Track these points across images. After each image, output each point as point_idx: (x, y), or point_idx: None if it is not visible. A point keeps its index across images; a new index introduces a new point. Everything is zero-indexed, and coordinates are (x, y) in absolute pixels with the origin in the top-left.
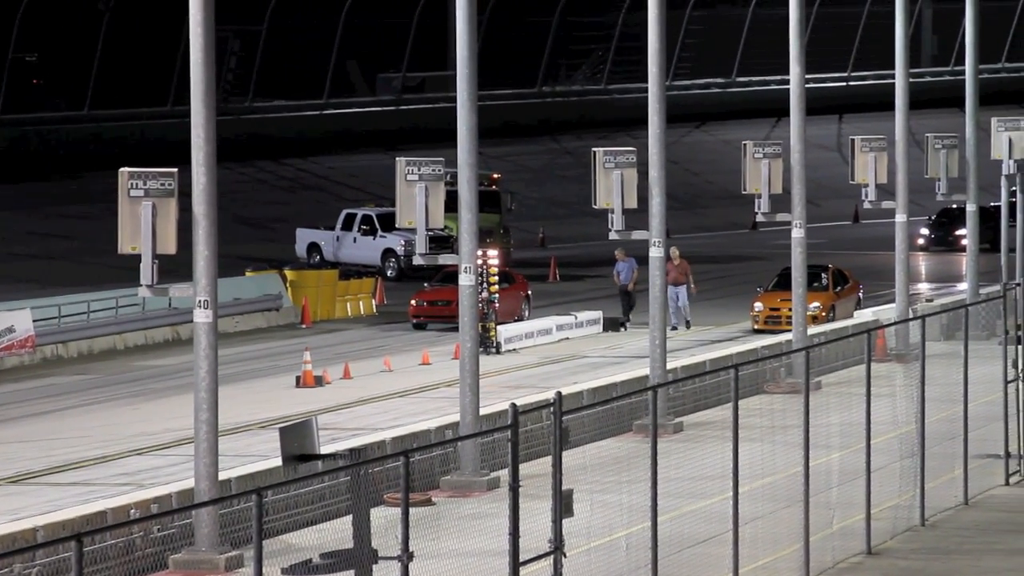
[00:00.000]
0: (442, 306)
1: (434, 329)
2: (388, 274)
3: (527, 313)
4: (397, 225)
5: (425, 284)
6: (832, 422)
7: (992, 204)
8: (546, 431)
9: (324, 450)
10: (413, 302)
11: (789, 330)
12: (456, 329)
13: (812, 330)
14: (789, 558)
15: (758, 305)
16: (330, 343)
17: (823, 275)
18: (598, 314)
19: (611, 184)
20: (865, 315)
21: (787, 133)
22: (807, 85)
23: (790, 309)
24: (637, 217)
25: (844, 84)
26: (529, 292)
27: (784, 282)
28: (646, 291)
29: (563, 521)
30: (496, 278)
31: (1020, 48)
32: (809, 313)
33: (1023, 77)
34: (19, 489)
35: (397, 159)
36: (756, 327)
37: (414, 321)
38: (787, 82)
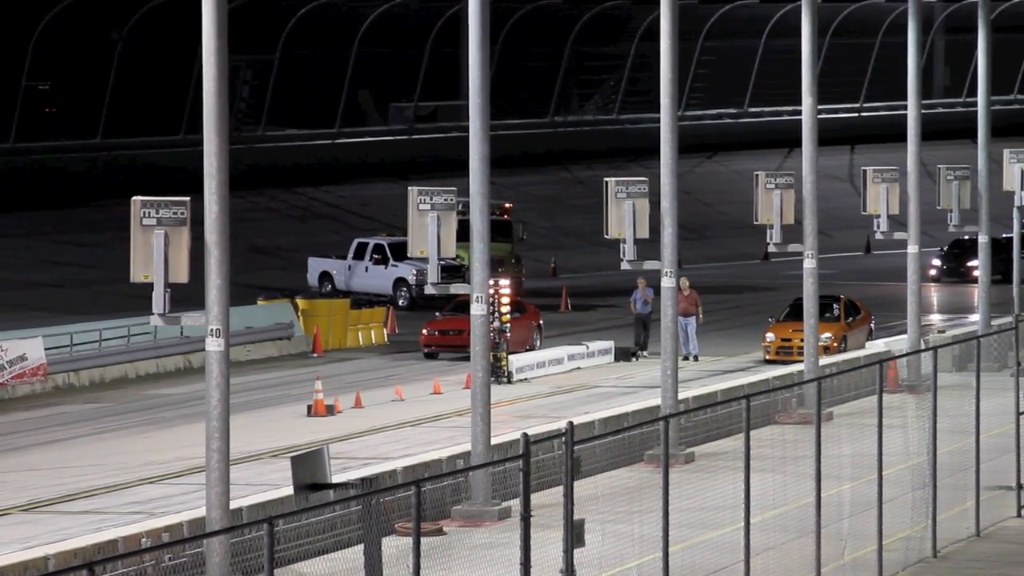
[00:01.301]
0: (454, 335)
1: (446, 358)
2: (400, 303)
3: (539, 343)
4: (409, 254)
5: (437, 313)
6: (844, 453)
7: (1004, 235)
8: (558, 461)
9: (336, 479)
10: (425, 331)
11: (801, 361)
12: (468, 358)
13: (824, 361)
14: None
15: (770, 336)
16: (341, 372)
17: (835, 306)
18: (609, 344)
19: (623, 214)
20: (877, 346)
21: (799, 163)
22: (819, 116)
23: (802, 340)
24: (649, 247)
25: (856, 115)
26: (540, 322)
27: (796, 313)
28: (657, 321)
29: (575, 551)
30: (508, 307)
31: None
32: (821, 344)
33: None
34: (30, 517)
35: (409, 188)
36: (768, 358)
37: (426, 350)
38: (799, 113)
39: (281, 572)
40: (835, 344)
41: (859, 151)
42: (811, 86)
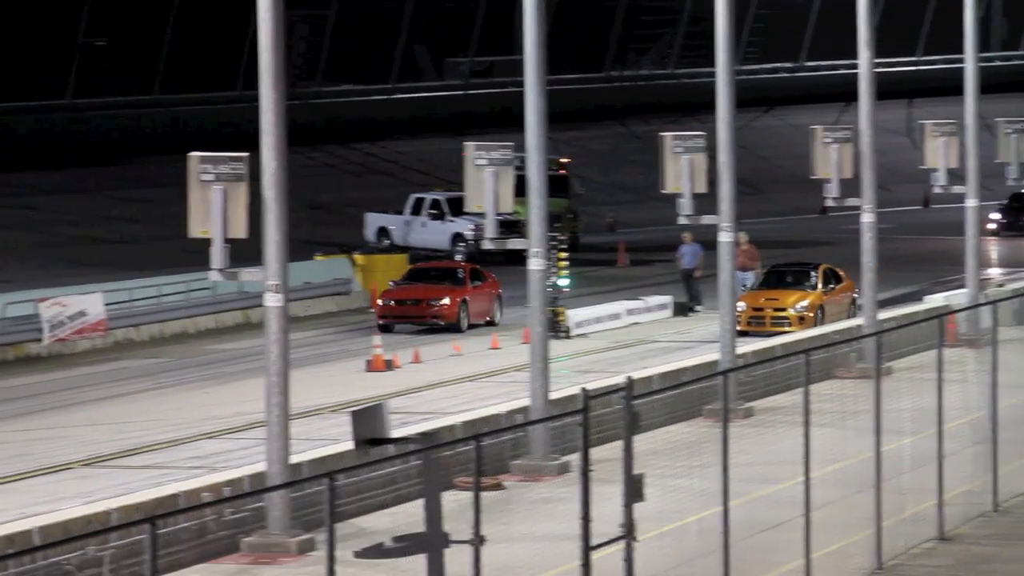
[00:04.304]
0: (411, 305)
1: (403, 331)
2: (457, 258)
3: (499, 315)
4: (466, 209)
5: (391, 282)
6: (903, 407)
7: None
8: (616, 416)
9: (395, 434)
10: (380, 302)
11: (773, 332)
12: (428, 331)
13: (804, 334)
14: (861, 543)
15: (741, 305)
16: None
17: (812, 274)
18: (668, 299)
19: (680, 169)
20: (936, 300)
21: (856, 118)
22: (876, 69)
23: (775, 309)
24: (705, 202)
25: (914, 68)
26: (500, 291)
27: (770, 281)
28: (712, 277)
29: (634, 506)
30: (566, 262)
31: None
32: (795, 313)
33: None
34: (92, 472)
35: (466, 144)
36: (739, 328)
37: (380, 322)
38: (856, 66)
39: (341, 527)
40: (811, 314)
41: (917, 104)
42: (868, 39)
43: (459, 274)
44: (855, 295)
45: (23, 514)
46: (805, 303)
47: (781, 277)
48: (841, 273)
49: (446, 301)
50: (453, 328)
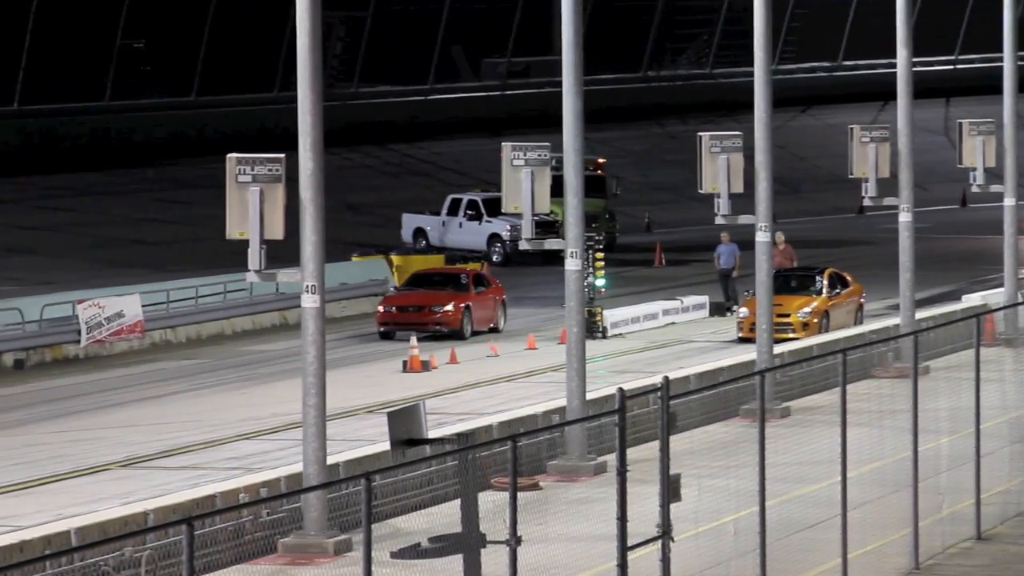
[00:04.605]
0: (413, 312)
1: (404, 338)
2: (494, 259)
3: (503, 321)
4: (503, 210)
5: (392, 287)
6: (940, 407)
7: None
8: (653, 416)
9: (432, 435)
10: (381, 308)
11: (777, 339)
12: (431, 338)
13: (806, 342)
14: (898, 543)
15: (743, 311)
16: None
17: (818, 278)
18: (704, 299)
19: (717, 169)
20: (974, 299)
21: (894, 117)
22: (914, 68)
23: (778, 315)
24: (743, 201)
25: (951, 67)
26: (504, 297)
27: (776, 285)
28: (748, 276)
29: (671, 506)
30: (602, 262)
31: None
32: (800, 319)
33: None
34: (129, 473)
35: (503, 144)
36: (741, 335)
37: (381, 329)
38: (894, 65)
39: (378, 527)
40: (815, 320)
41: (954, 103)
42: (906, 38)
43: (462, 280)
44: (862, 300)
45: (60, 515)
46: (809, 309)
47: (785, 282)
48: (848, 277)
49: (449, 308)
50: (456, 335)
